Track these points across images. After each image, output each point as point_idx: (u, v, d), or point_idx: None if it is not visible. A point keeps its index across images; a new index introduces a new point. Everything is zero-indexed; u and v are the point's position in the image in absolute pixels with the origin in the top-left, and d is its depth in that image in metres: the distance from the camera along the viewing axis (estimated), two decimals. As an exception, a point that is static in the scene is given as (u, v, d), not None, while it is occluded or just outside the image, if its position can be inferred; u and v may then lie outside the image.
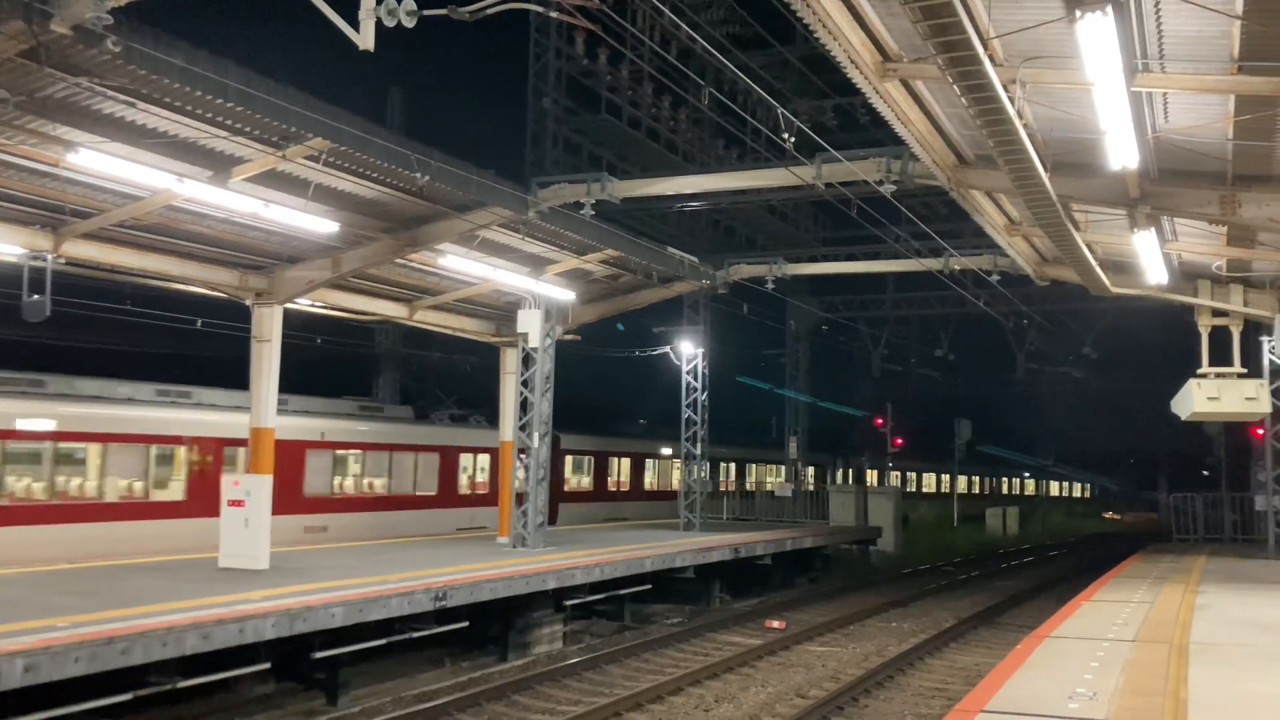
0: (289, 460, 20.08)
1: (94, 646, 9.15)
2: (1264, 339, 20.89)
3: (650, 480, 34.82)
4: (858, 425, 51.40)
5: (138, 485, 18.89)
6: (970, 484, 63.17)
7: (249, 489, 15.04)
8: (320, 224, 13.56)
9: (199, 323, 20.33)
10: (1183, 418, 20.99)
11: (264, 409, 16.04)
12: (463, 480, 26.08)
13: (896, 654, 15.91)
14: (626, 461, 33.48)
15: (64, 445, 17.85)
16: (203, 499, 18.59)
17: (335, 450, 22.70)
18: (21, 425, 17.20)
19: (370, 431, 23.84)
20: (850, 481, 44.18)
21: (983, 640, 18.33)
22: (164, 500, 19.14)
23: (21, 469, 17.43)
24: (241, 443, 17.79)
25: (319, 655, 11.91)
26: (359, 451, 23.53)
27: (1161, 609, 13.12)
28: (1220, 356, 20.11)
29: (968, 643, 18.04)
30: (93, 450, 18.30)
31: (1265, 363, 21.11)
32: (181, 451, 19.53)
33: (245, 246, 15.34)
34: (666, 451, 34.60)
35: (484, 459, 26.38)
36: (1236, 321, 19.99)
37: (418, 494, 24.69)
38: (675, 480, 33.87)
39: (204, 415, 20.02)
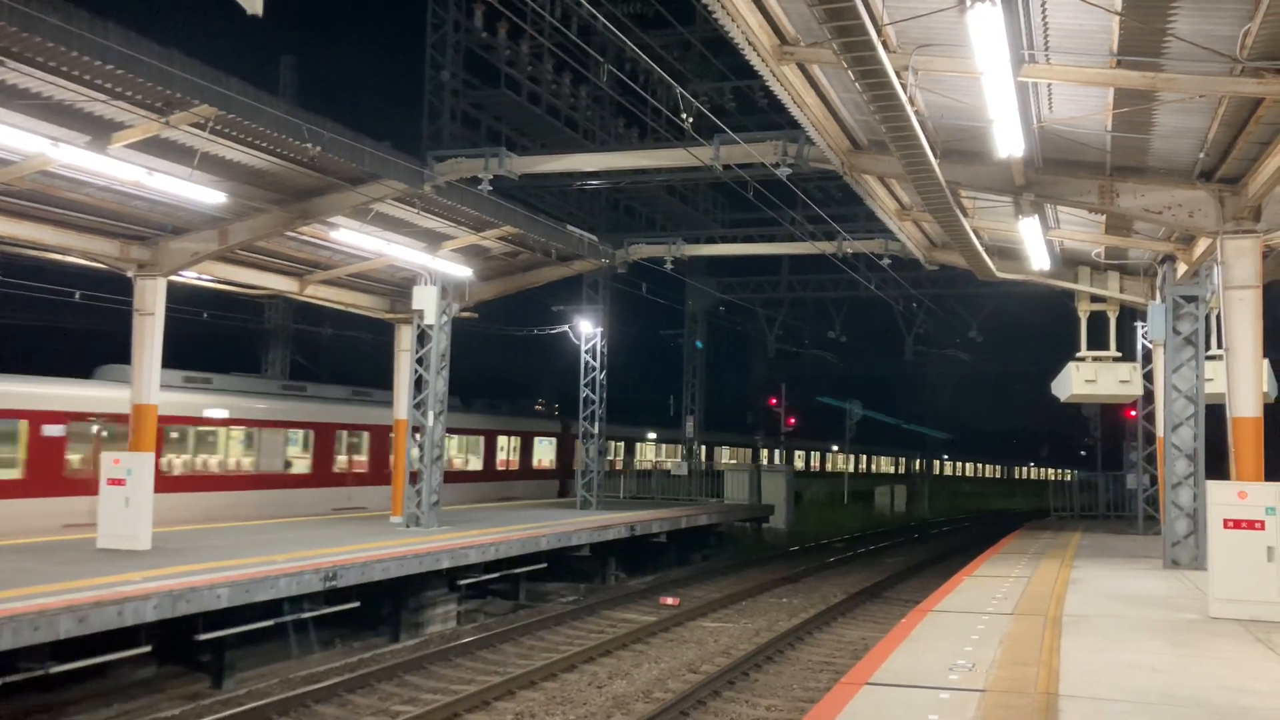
0: None
1: (-41, 631, 8.75)
2: (1138, 324, 21.86)
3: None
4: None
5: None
6: (862, 463, 64.67)
7: (130, 467, 14.53)
8: (207, 194, 13.10)
9: (77, 295, 19.53)
10: (1062, 399, 21.85)
11: (146, 385, 15.50)
12: None
13: (787, 629, 16.22)
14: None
15: None
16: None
17: None
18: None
19: None
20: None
21: (870, 615, 18.80)
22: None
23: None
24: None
25: (203, 637, 11.60)
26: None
27: (1038, 583, 13.63)
28: (1098, 341, 20.98)
29: (855, 617, 18.49)
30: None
31: (1139, 347, 22.10)
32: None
33: (127, 216, 14.76)
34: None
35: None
36: (1113, 307, 20.88)
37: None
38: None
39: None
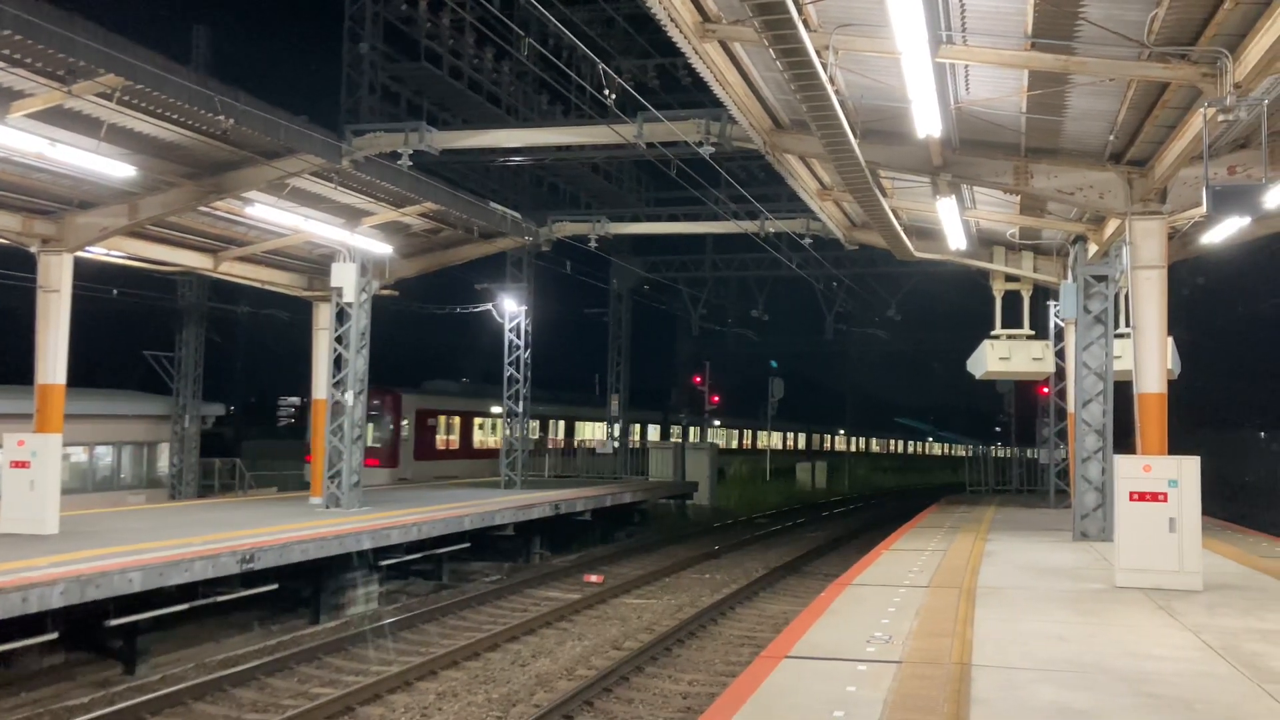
0: None
1: None
2: (1050, 303, 22.40)
3: None
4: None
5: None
6: (786, 440, 65.38)
7: (35, 449, 14.11)
8: (114, 167, 12.70)
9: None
10: (977, 376, 22.31)
11: (52, 365, 14.99)
12: None
13: (709, 604, 16.38)
14: None
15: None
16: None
17: None
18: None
19: None
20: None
21: (790, 589, 19.07)
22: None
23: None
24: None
25: (114, 623, 11.32)
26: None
27: (954, 556, 13.95)
28: (1012, 319, 21.45)
29: (776, 592, 18.74)
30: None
31: (1051, 325, 22.64)
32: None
33: (30, 189, 14.23)
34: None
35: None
36: (1027, 286, 21.36)
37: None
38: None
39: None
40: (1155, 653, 7.96)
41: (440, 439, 31.86)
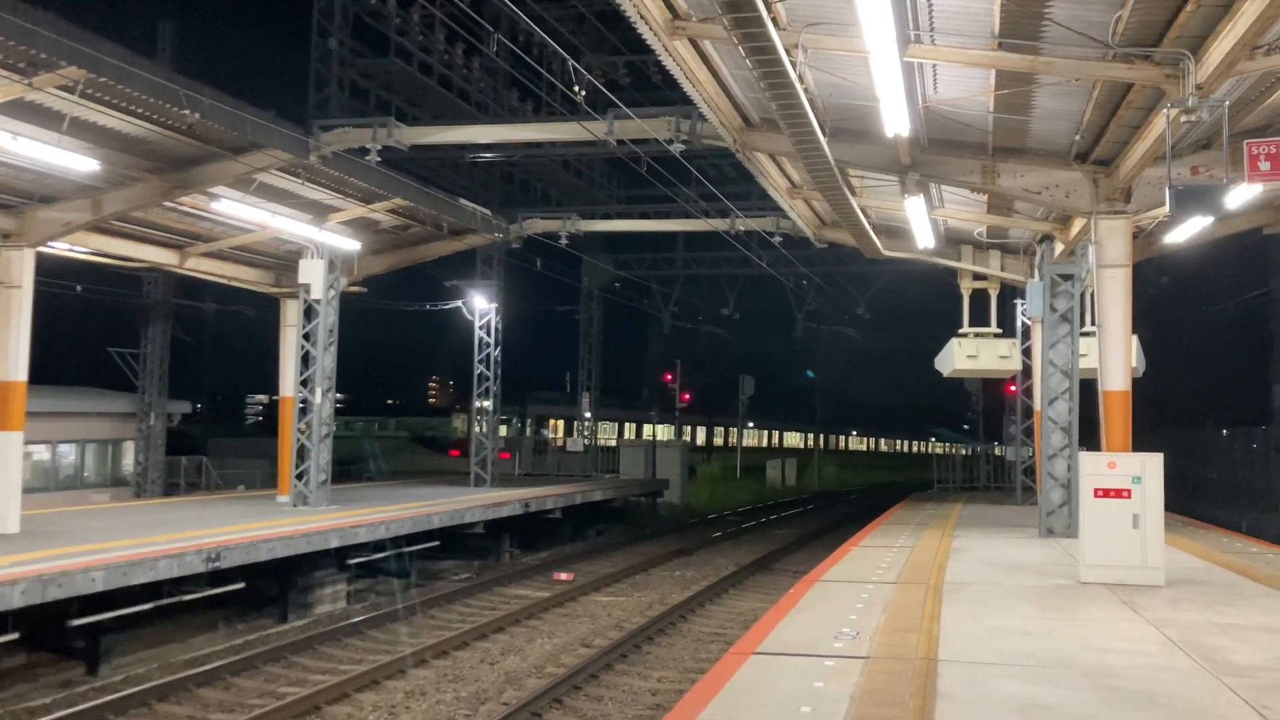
0: None
1: None
2: (1018, 302, 22.58)
3: None
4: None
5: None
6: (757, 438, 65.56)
7: (-4, 447, 13.91)
8: (78, 161, 12.53)
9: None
10: (945, 374, 22.47)
11: (14, 362, 14.78)
12: None
13: (679, 601, 16.39)
14: None
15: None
16: None
17: None
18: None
19: None
20: None
21: (760, 586, 19.13)
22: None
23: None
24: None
25: (76, 623, 11.18)
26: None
27: (921, 553, 14.03)
28: (979, 317, 21.62)
29: (746, 589, 18.79)
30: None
31: (1018, 324, 22.84)
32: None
33: (-10, 183, 14.04)
34: None
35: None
36: (994, 285, 21.54)
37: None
38: None
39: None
40: (1118, 647, 8.04)
41: (552, 437, 40.97)
